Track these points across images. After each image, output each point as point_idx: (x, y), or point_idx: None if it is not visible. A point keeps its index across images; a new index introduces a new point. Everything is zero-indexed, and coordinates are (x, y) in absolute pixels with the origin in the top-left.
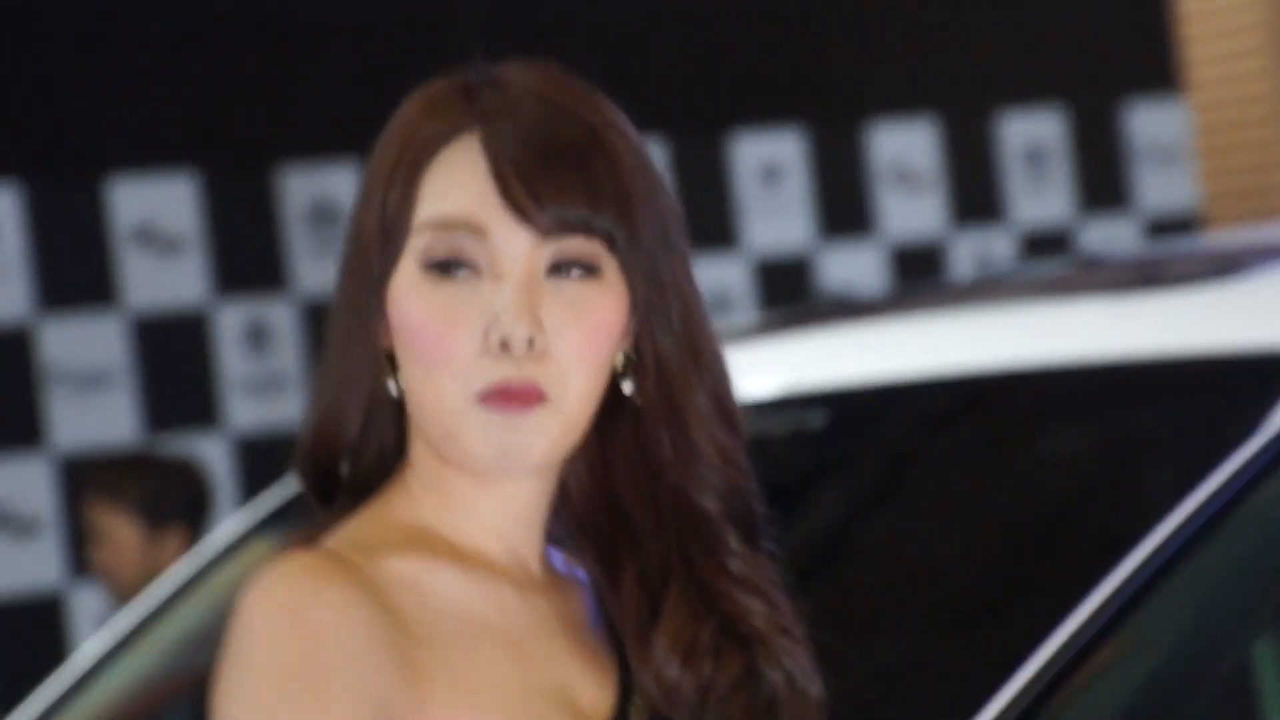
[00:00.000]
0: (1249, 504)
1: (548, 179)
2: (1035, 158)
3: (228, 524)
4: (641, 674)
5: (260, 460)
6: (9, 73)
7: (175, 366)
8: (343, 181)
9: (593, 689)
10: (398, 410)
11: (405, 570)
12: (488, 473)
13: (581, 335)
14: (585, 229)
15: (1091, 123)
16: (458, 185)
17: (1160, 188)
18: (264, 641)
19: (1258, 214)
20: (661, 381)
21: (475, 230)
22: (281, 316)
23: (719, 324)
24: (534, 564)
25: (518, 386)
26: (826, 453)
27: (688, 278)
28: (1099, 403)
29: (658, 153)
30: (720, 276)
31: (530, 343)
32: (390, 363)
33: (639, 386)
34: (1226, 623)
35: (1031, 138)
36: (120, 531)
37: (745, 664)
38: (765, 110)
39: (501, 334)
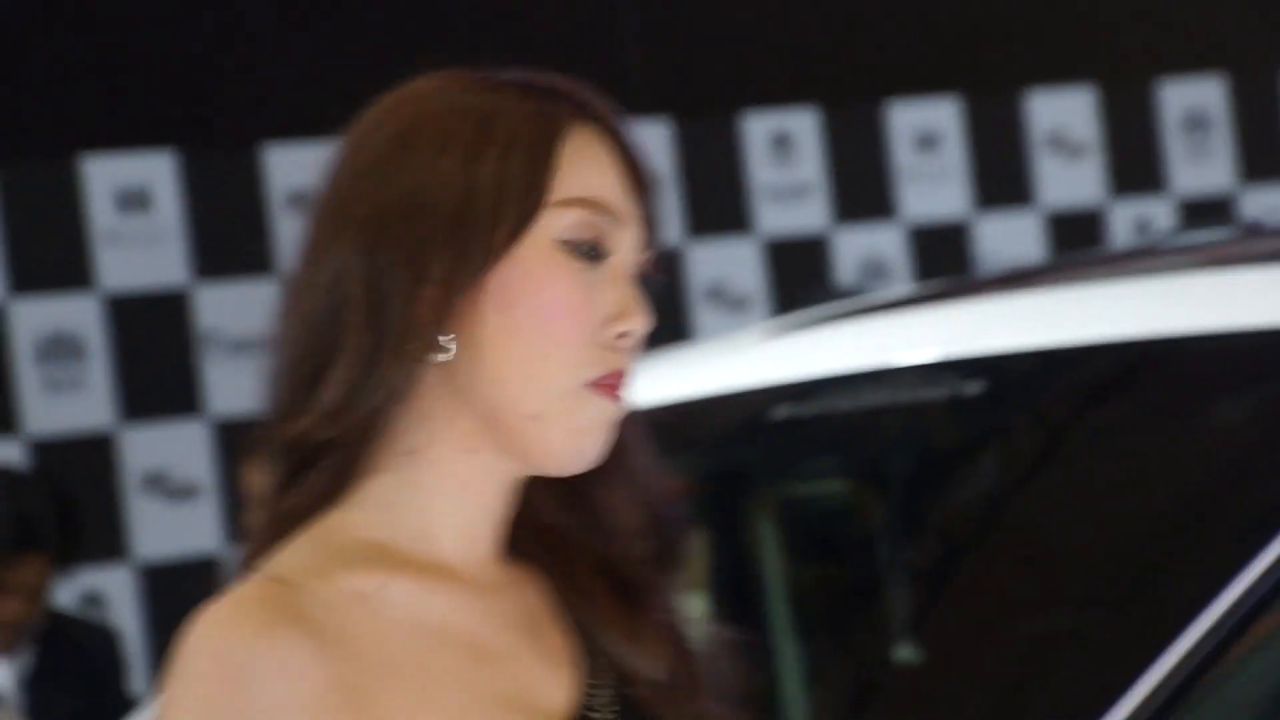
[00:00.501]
0: None
1: (657, 188)
2: (1196, 126)
3: None
4: (634, 658)
5: None
6: (165, 42)
7: None
8: None
9: (553, 685)
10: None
11: (359, 588)
12: (547, 465)
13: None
14: (656, 243)
15: (1253, 91)
16: (599, 170)
17: None
18: (195, 687)
19: None
20: None
21: (620, 219)
22: None
23: (877, 291)
24: (492, 564)
25: (625, 378)
26: (983, 419)
27: None
28: (1261, 371)
29: (814, 122)
30: (877, 244)
31: None
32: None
33: None
34: None
35: (1192, 106)
36: None
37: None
38: (922, 79)
39: (628, 326)
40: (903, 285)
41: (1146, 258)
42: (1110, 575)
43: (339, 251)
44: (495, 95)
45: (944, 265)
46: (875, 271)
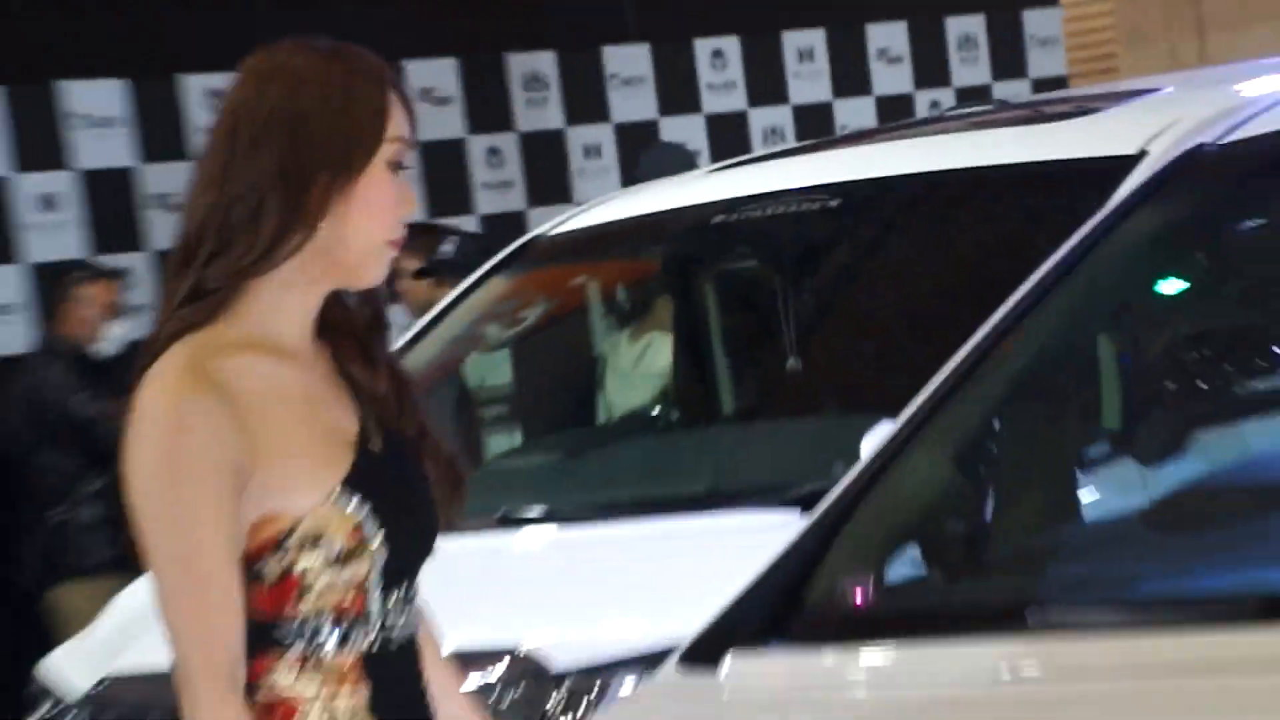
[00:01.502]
0: (1093, 256)
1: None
2: (968, 44)
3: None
4: (374, 385)
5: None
6: None
7: None
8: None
9: (348, 418)
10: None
11: (241, 364)
12: (360, 284)
13: None
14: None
15: (1003, 24)
16: (402, 116)
17: (1043, 63)
18: (159, 430)
19: (1104, 81)
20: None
21: (411, 147)
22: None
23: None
24: (310, 345)
25: (402, 238)
26: (842, 222)
27: None
28: (1010, 190)
29: (737, 44)
30: (776, 118)
31: None
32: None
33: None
34: (1079, 325)
35: (965, 32)
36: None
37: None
38: (805, 16)
39: (409, 211)
40: (792, 143)
41: (937, 123)
42: (921, 312)
43: (264, 156)
44: (349, 61)
45: (816, 132)
46: (776, 135)
